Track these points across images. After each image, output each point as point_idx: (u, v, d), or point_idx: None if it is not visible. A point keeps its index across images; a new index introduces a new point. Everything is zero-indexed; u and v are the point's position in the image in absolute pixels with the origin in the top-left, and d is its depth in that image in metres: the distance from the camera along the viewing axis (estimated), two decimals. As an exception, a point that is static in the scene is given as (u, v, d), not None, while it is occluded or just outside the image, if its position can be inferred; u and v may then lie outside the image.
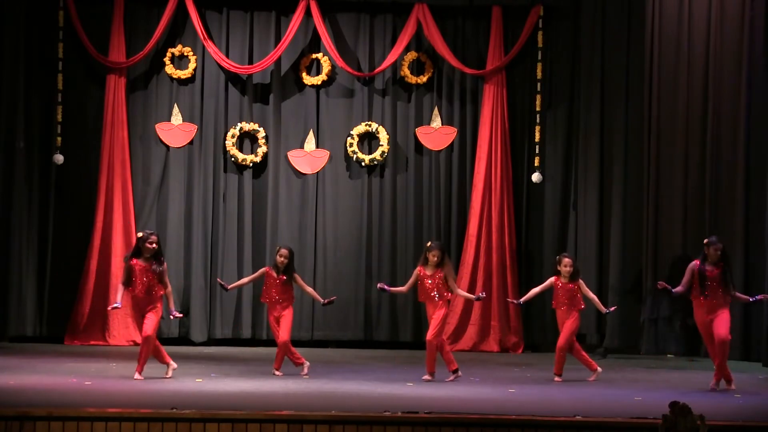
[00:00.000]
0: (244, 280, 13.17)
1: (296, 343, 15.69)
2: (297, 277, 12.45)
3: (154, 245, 11.67)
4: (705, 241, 11.77)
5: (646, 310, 15.04)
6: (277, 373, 12.18)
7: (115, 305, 11.72)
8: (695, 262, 11.57)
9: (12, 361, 13.09)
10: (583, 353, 12.32)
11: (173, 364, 11.82)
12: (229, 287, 12.86)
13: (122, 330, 15.63)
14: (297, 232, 16.21)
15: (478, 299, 13.19)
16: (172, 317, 12.00)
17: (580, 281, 12.27)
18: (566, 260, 12.28)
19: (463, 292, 12.55)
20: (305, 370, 12.27)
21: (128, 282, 11.61)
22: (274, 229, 16.14)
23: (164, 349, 11.92)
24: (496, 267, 15.94)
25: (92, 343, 15.55)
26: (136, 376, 11.50)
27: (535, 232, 16.26)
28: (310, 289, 12.80)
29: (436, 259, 11.83)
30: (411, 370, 12.50)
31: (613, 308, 13.01)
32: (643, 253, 15.20)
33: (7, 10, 15.63)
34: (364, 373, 12.49)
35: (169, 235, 15.96)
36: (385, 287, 12.31)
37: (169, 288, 11.85)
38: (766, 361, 13.66)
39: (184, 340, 15.82)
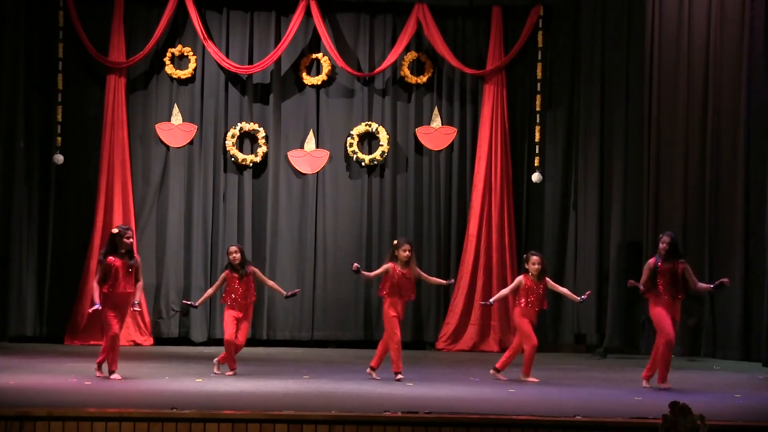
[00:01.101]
0: (209, 291, 12.90)
1: (296, 343, 15.81)
2: (255, 270, 12.49)
3: (131, 239, 11.63)
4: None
5: (645, 310, 15.03)
6: (229, 373, 12.20)
7: (96, 307, 11.59)
8: (650, 260, 11.55)
9: (12, 361, 13.09)
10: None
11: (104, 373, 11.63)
12: (197, 304, 12.94)
13: (122, 330, 15.58)
14: (297, 232, 16.22)
15: (449, 284, 12.93)
16: (132, 308, 11.77)
17: (547, 279, 12.18)
18: (534, 258, 12.15)
19: (434, 279, 12.55)
20: (231, 372, 12.23)
21: (105, 280, 11.49)
22: (274, 229, 16.14)
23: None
24: (496, 267, 15.94)
25: (92, 343, 15.52)
26: (115, 376, 11.48)
27: (535, 232, 16.26)
28: (271, 282, 12.74)
29: (407, 254, 11.79)
30: (411, 369, 12.49)
31: (586, 294, 12.64)
32: (643, 252, 15.19)
33: (7, 10, 15.62)
34: (363, 373, 12.46)
35: (169, 235, 15.97)
36: (363, 271, 12.15)
37: (141, 282, 11.75)
38: (766, 361, 13.65)
39: (184, 340, 15.83)
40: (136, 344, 15.53)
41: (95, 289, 11.60)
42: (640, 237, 15.30)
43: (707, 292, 12.31)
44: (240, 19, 16.29)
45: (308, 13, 15.97)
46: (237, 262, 12.28)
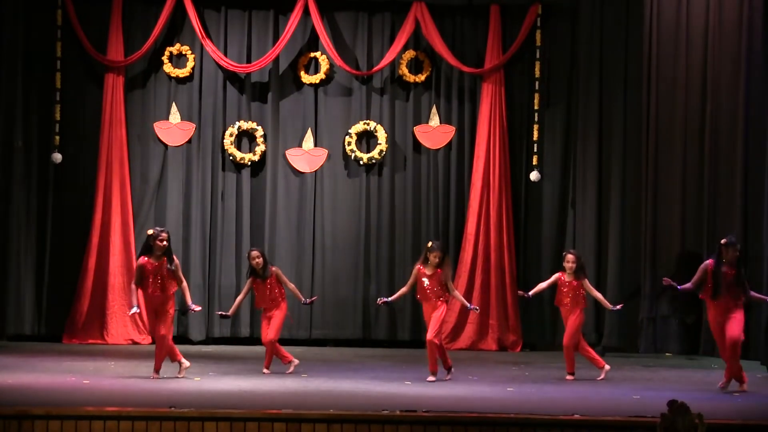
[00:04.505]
0: (239, 299, 12.67)
1: (295, 341, 15.76)
2: (278, 271, 12.40)
3: (165, 243, 11.56)
4: (723, 241, 11.32)
5: (644, 309, 15.05)
6: (266, 371, 12.19)
7: (134, 309, 11.57)
8: (709, 262, 11.27)
9: (10, 359, 13.09)
10: (590, 350, 12.31)
11: (186, 363, 11.67)
12: (230, 313, 12.76)
13: (120, 329, 15.62)
14: (295, 231, 16.21)
15: (471, 309, 12.42)
16: (192, 311, 11.94)
17: (585, 280, 12.22)
18: (569, 256, 12.30)
19: (459, 296, 12.21)
20: (291, 368, 12.26)
21: (140, 281, 11.51)
22: (272, 228, 16.14)
23: (176, 348, 11.80)
24: (494, 266, 15.94)
25: (90, 341, 15.55)
26: (154, 375, 11.49)
27: (533, 231, 16.25)
28: (292, 286, 12.58)
29: (437, 260, 11.71)
30: (409, 368, 12.49)
31: (619, 305, 12.70)
32: (641, 251, 15.20)
33: (6, 9, 15.63)
34: (362, 372, 12.49)
35: (168, 234, 15.97)
36: (387, 300, 12.10)
37: (185, 283, 11.72)
38: (764, 359, 13.65)
39: (182, 338, 15.78)
40: (135, 343, 15.53)
41: (133, 292, 11.61)
42: (639, 235, 15.30)
43: (758, 303, 12.16)
44: (238, 18, 16.29)
45: (306, 11, 15.96)
46: (259, 267, 12.26)
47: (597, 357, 12.35)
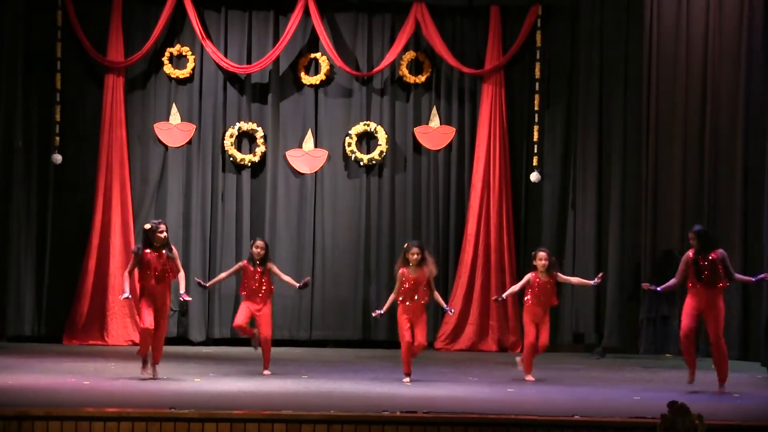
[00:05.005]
0: (222, 275, 12.89)
1: (295, 342, 15.78)
2: (272, 266, 12.42)
3: (164, 234, 11.63)
4: None
5: (644, 310, 15.04)
6: (266, 372, 12.18)
7: (126, 295, 11.67)
8: (688, 252, 11.40)
9: (10, 360, 13.09)
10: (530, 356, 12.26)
11: (149, 369, 11.59)
12: (209, 284, 12.91)
13: (121, 330, 15.63)
14: (295, 232, 16.21)
15: (447, 310, 12.44)
16: (181, 299, 11.97)
17: (557, 273, 12.17)
18: (541, 254, 12.15)
19: (438, 296, 12.04)
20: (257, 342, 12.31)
21: (138, 271, 11.54)
22: (272, 229, 16.14)
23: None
24: (494, 266, 15.94)
25: (90, 342, 15.56)
26: (155, 372, 11.53)
27: (533, 232, 16.26)
28: (286, 278, 12.55)
29: (416, 257, 11.63)
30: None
31: (599, 277, 12.56)
32: (641, 251, 15.20)
33: (6, 9, 15.63)
34: (362, 373, 12.49)
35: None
36: (381, 312, 11.92)
37: (182, 272, 11.82)
38: (764, 360, 13.65)
39: (182, 339, 15.83)
40: (135, 344, 15.50)
41: (125, 279, 11.69)
42: (639, 236, 15.29)
43: (745, 284, 12.31)
44: (238, 19, 16.29)
45: (306, 12, 15.96)
46: (259, 257, 12.27)
47: (531, 364, 12.21)
